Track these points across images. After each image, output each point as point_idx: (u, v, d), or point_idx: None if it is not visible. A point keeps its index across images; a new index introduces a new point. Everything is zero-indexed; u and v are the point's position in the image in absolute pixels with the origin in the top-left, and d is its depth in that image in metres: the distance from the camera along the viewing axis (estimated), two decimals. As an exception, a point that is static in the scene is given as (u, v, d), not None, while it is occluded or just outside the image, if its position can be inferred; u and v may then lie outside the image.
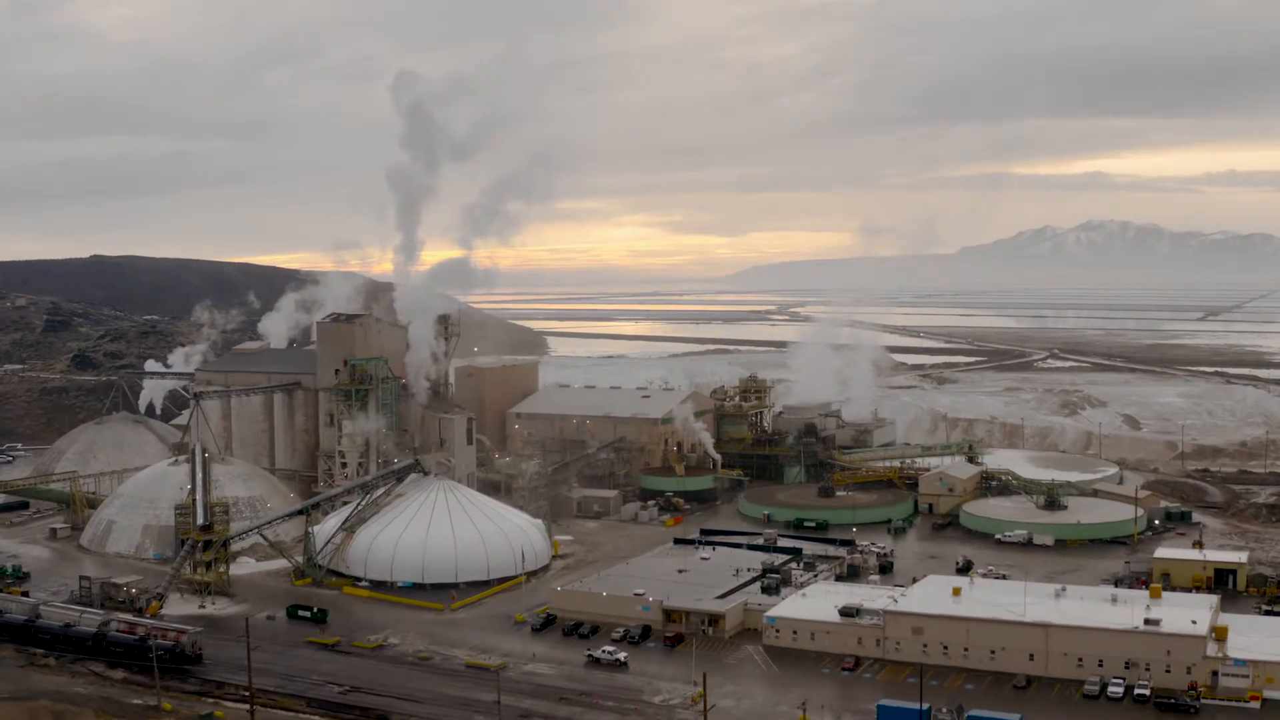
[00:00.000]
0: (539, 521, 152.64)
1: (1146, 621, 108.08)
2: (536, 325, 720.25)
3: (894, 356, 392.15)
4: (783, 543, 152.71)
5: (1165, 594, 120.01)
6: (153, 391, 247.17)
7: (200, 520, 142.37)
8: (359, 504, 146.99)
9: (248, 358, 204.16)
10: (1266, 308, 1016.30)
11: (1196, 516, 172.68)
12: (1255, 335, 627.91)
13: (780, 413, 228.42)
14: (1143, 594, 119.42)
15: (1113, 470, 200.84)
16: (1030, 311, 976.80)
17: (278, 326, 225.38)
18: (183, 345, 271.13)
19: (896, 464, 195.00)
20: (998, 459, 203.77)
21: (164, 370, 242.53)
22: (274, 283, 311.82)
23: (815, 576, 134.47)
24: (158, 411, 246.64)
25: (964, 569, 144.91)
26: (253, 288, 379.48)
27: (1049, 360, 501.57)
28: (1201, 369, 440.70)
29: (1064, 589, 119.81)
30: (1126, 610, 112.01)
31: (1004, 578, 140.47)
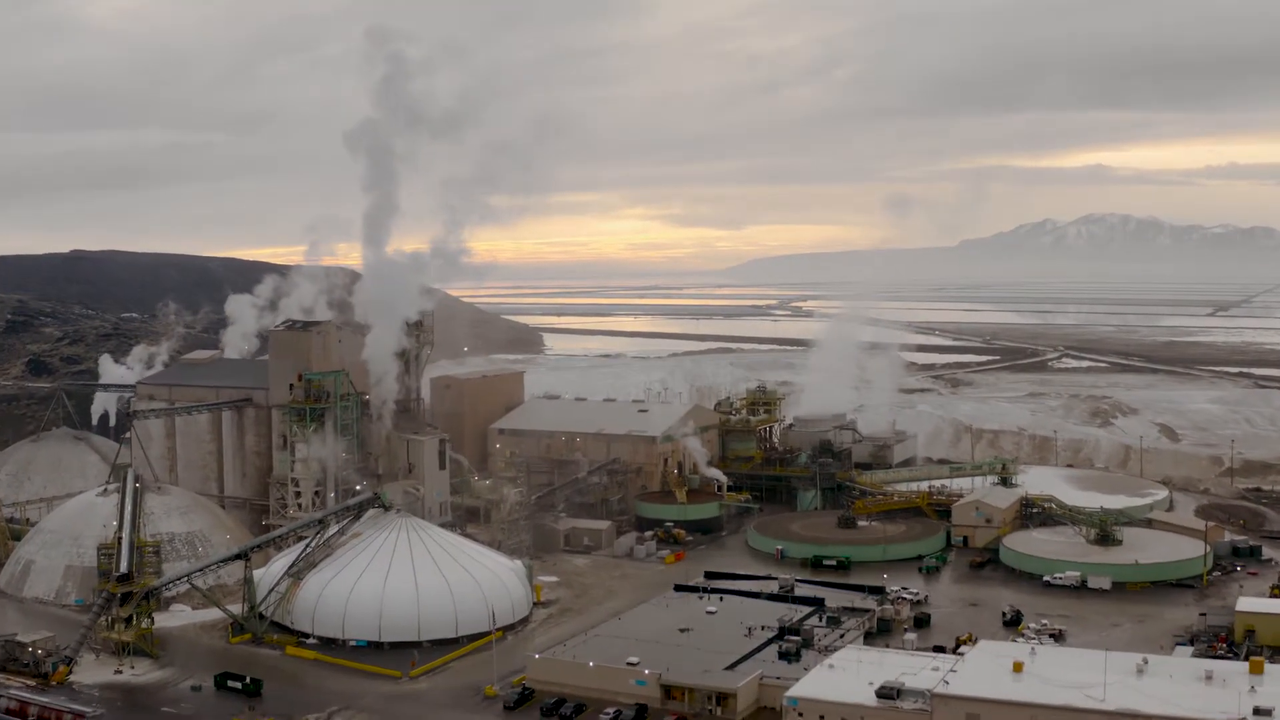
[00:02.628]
0: (518, 563, 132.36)
1: (1256, 711, 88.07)
2: (533, 321, 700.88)
3: (903, 356, 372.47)
4: (800, 587, 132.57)
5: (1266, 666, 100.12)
6: (107, 401, 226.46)
7: (123, 566, 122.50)
8: (307, 545, 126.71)
9: (196, 369, 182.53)
10: (1275, 303, 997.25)
11: (1265, 551, 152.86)
12: (1271, 333, 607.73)
13: (790, 425, 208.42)
14: (1241, 669, 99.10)
15: (1162, 493, 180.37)
16: (1035, 306, 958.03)
17: (244, 312, 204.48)
18: (148, 345, 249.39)
19: (924, 487, 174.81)
20: (1033, 479, 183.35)
21: (105, 382, 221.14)
22: (258, 278, 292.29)
23: (842, 636, 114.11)
24: (111, 423, 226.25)
25: (1012, 621, 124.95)
26: (236, 284, 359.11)
27: (1063, 359, 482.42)
28: (1225, 369, 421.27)
29: (1146, 661, 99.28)
30: (1228, 694, 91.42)
31: (1060, 633, 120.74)
